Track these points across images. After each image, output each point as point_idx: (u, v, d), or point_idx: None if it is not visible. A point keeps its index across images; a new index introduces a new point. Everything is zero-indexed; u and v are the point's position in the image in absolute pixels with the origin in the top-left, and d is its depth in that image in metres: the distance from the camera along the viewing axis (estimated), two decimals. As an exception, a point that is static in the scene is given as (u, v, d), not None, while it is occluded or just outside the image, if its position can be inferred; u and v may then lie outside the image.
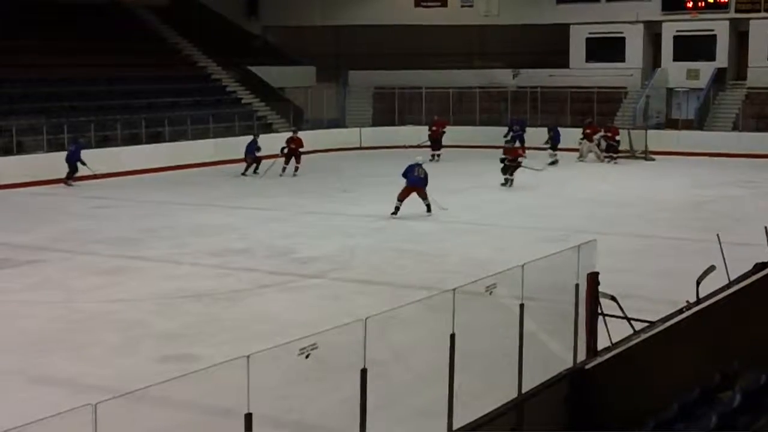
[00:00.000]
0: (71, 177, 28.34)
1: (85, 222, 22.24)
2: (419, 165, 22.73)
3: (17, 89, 32.33)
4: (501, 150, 28.23)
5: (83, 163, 28.36)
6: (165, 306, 14.37)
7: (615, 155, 33.50)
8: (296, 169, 30.07)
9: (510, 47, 42.99)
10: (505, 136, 34.41)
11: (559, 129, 34.51)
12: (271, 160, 29.85)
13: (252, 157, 30.42)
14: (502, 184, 27.08)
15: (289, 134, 31.52)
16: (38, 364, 11.50)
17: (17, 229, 21.05)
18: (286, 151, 30.26)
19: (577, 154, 34.27)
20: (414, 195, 22.29)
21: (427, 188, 22.52)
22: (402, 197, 22.30)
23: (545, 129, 34.69)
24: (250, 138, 31.34)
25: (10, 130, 29.50)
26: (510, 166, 27.23)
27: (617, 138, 34.00)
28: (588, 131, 34.51)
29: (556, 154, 33.39)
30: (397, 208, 22.21)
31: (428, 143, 34.54)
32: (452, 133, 36.26)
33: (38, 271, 16.92)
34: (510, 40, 42.87)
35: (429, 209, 22.34)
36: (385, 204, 23.81)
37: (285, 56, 44.10)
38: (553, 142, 33.83)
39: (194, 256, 18.03)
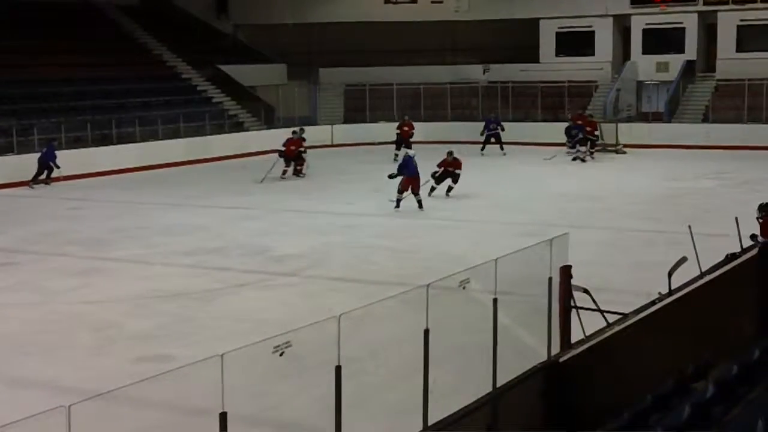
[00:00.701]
0: (36, 178, 28.16)
1: (57, 223, 22.11)
2: (413, 157, 23.01)
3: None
4: (443, 162, 24.91)
5: (56, 166, 28.20)
6: (139, 306, 14.33)
7: (593, 150, 33.30)
8: (297, 171, 29.03)
9: (480, 43, 43.04)
10: (481, 134, 34.44)
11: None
12: (271, 164, 28.71)
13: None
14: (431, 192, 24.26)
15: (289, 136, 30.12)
16: (14, 367, 11.45)
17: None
18: (282, 154, 29.01)
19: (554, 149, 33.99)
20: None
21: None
22: (404, 189, 22.43)
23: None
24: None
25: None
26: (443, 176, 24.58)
27: (596, 132, 33.88)
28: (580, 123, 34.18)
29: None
30: (399, 201, 22.35)
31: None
32: (423, 130, 36.29)
33: (11, 273, 16.82)
34: (480, 36, 42.92)
35: (420, 205, 22.42)
36: (359, 201, 23.89)
37: (255, 54, 43.98)
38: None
39: (167, 256, 17.98)
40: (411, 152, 23.88)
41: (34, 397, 10.14)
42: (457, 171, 24.51)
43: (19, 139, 30.04)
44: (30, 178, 28.05)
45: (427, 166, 23.83)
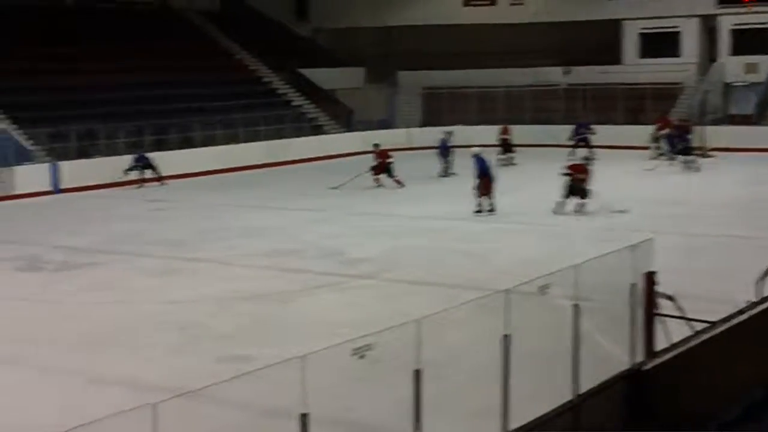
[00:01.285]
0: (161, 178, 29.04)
1: (141, 224, 22.49)
2: (480, 156, 22.68)
3: (75, 96, 32.73)
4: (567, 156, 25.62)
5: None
6: (219, 307, 14.47)
7: (689, 155, 31.05)
8: (397, 182, 27.90)
9: (560, 45, 42.67)
10: (569, 138, 33.90)
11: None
12: (352, 175, 28.12)
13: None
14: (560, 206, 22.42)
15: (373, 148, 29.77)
16: (98, 364, 11.64)
17: (77, 232, 21.38)
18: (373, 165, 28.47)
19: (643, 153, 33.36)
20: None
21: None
22: (485, 192, 22.20)
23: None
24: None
25: (68, 135, 29.92)
26: (577, 186, 22.56)
27: (689, 136, 32.34)
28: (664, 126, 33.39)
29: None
30: (480, 205, 22.19)
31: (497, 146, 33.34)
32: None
33: (96, 273, 17.14)
34: (560, 38, 42.55)
35: (493, 209, 22.23)
36: (434, 204, 23.83)
37: (334, 58, 44.20)
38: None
39: (247, 258, 18.13)
40: (476, 150, 23.18)
41: (118, 395, 10.29)
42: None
43: (105, 142, 30.67)
44: (124, 179, 28.62)
45: (511, 170, 23.57)
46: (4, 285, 16.31)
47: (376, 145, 29.33)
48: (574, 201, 22.45)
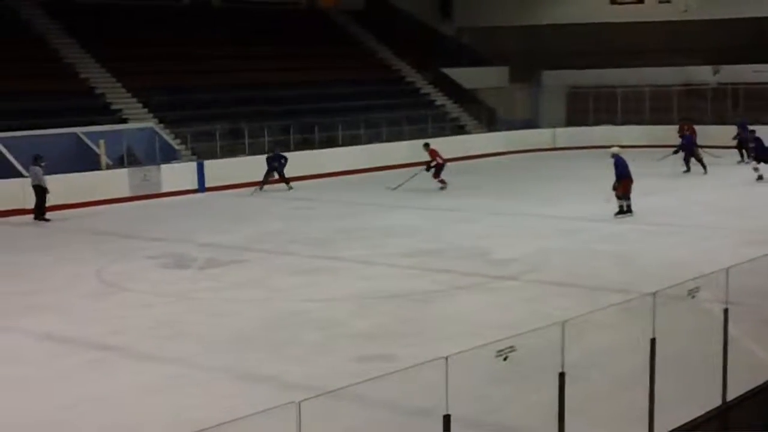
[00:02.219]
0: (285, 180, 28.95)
1: (284, 223, 22.90)
2: (620, 156, 22.06)
3: (220, 95, 33.61)
4: None
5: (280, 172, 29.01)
6: (361, 306, 14.60)
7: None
8: (441, 184, 27.85)
9: (710, 43, 41.50)
10: (734, 138, 32.21)
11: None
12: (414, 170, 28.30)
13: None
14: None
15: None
16: (242, 361, 11.89)
17: (222, 230, 21.89)
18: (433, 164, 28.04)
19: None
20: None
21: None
22: (627, 193, 21.77)
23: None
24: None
25: (213, 134, 30.71)
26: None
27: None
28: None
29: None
30: (622, 207, 21.78)
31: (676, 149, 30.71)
32: (649, 133, 35.34)
33: (241, 270, 17.52)
34: (709, 36, 41.40)
35: (630, 209, 21.82)
36: (578, 204, 23.51)
37: (478, 57, 44.10)
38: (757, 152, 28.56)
39: (389, 257, 18.24)
40: (615, 149, 22.32)
41: (261, 392, 10.51)
42: None
43: (250, 141, 31.35)
44: (261, 179, 28.91)
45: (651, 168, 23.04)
46: (151, 282, 16.79)
47: (426, 145, 28.63)
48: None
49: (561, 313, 8.24)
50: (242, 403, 9.56)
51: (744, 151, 31.56)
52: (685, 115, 36.55)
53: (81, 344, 12.85)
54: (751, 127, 30.78)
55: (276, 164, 28.92)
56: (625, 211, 21.79)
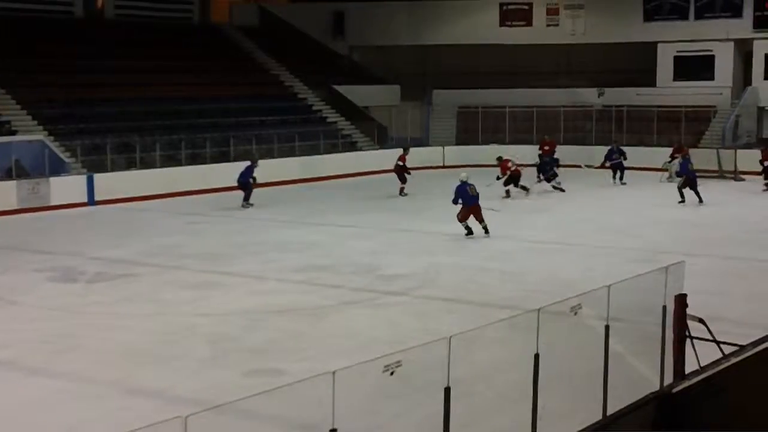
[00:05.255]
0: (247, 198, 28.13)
1: (176, 237, 22.69)
2: (469, 184, 22.36)
3: (111, 108, 33.14)
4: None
5: (253, 181, 28.30)
6: (252, 321, 14.58)
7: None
8: (524, 189, 29.31)
9: (596, 66, 42.69)
10: (602, 164, 33.32)
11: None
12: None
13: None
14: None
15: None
16: (130, 375, 11.77)
17: (112, 244, 21.58)
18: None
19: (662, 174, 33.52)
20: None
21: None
22: (465, 218, 22.06)
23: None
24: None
25: (104, 147, 30.24)
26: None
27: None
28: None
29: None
30: (468, 228, 22.10)
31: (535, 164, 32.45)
32: (536, 151, 35.96)
33: (130, 284, 17.31)
34: (596, 59, 42.57)
35: (487, 231, 22.09)
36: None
37: (370, 75, 44.42)
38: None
39: (281, 272, 18.26)
40: (464, 175, 22.73)
41: (149, 406, 10.42)
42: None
43: (141, 155, 30.99)
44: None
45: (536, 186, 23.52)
46: (38, 296, 16.50)
47: (499, 159, 29.92)
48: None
49: (449, 329, 8.38)
50: (133, 417, 9.46)
51: (619, 171, 32.98)
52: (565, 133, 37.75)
53: (-36, 359, 12.55)
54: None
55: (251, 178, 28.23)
56: (467, 233, 22.07)
